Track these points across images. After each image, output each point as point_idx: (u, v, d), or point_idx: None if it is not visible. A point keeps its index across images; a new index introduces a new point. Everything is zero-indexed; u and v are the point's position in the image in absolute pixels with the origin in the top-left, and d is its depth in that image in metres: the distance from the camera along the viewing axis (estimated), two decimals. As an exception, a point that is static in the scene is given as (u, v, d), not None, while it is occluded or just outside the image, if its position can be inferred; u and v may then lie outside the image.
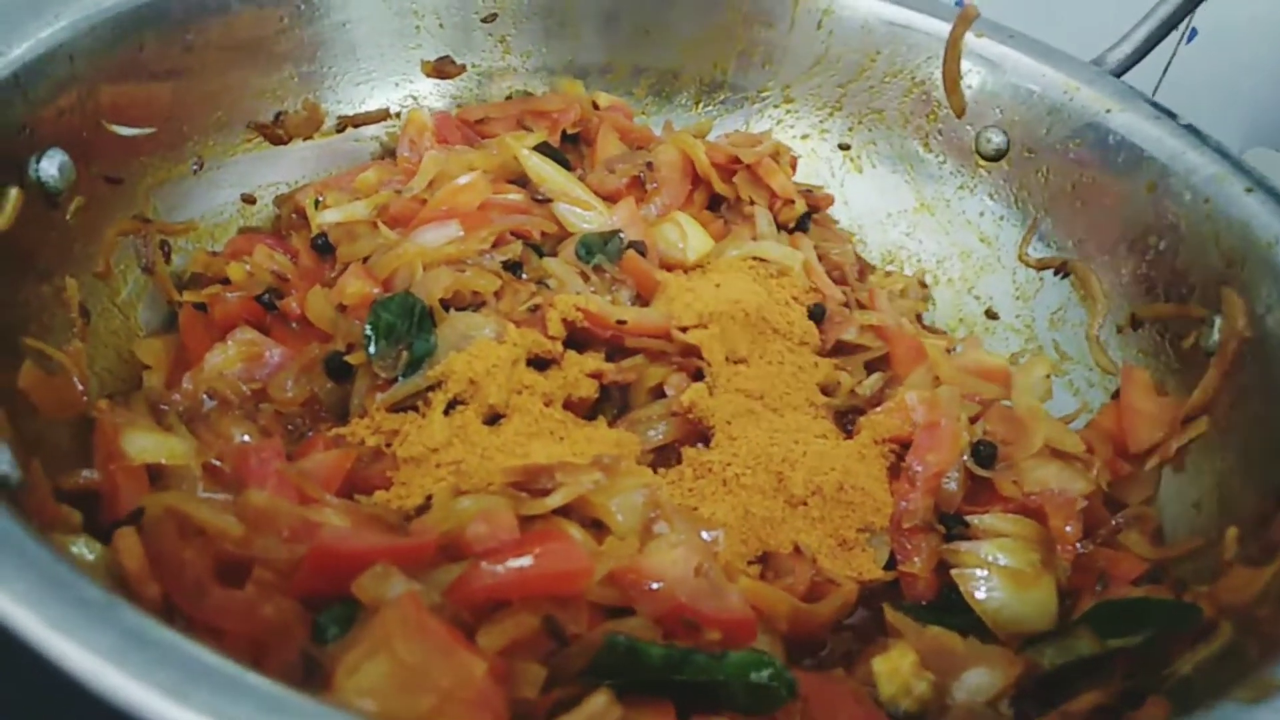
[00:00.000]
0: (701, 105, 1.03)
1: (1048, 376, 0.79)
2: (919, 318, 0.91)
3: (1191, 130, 0.81)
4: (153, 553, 0.50)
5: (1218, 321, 0.72)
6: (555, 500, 0.58)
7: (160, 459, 0.59)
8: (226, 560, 0.51)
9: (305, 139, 0.89)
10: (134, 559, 0.48)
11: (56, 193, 0.67)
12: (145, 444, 0.60)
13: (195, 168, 0.81)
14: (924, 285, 0.95)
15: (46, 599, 0.39)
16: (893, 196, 0.99)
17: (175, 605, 0.49)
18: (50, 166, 0.67)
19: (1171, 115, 0.83)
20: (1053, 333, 0.87)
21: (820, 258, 0.88)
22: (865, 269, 0.95)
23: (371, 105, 0.93)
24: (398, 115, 0.94)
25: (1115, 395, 0.79)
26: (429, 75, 0.96)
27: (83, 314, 0.68)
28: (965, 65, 0.92)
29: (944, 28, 0.93)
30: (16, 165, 0.65)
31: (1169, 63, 1.29)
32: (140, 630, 0.39)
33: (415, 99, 0.96)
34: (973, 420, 0.73)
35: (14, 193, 0.64)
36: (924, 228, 0.98)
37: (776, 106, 1.02)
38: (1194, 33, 1.27)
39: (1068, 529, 0.67)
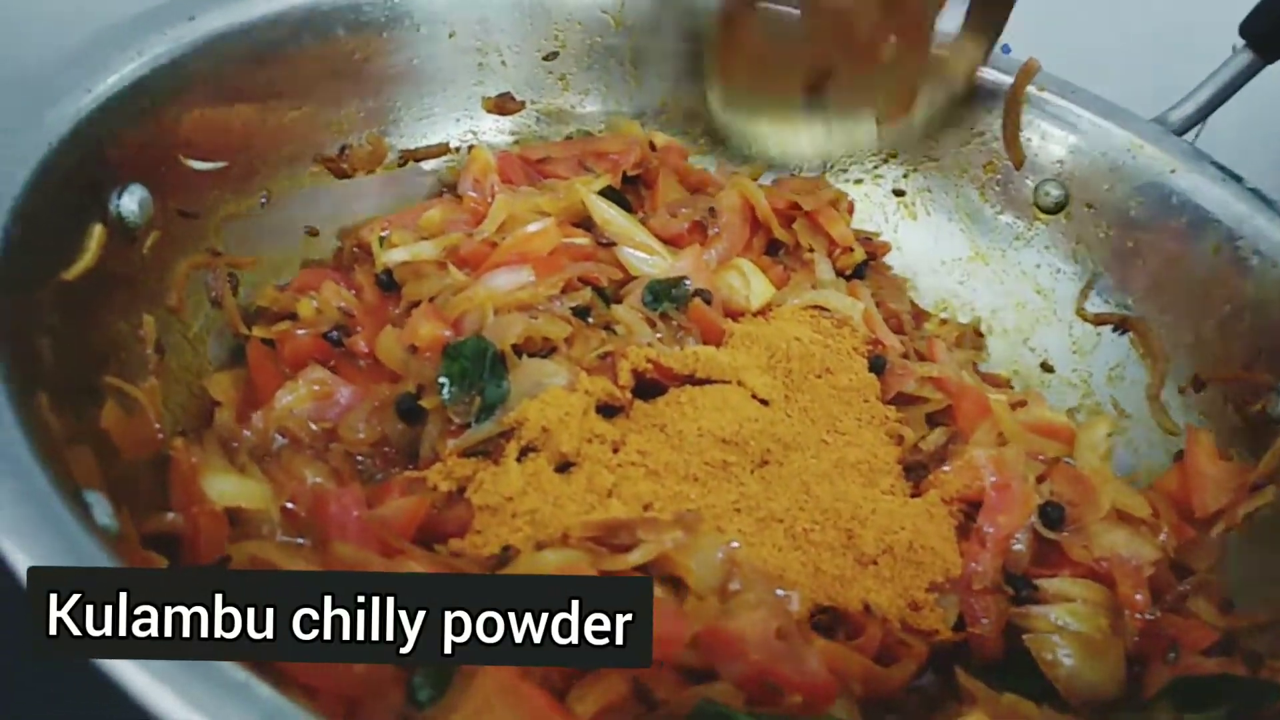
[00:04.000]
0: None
1: (1110, 435, 0.79)
2: (975, 367, 0.91)
3: (1258, 194, 0.81)
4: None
5: (1287, 389, 0.72)
6: (636, 557, 0.58)
7: (241, 503, 0.60)
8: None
9: (368, 172, 0.90)
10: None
11: (135, 228, 0.68)
12: (226, 487, 0.60)
13: (263, 201, 0.82)
14: (979, 334, 0.95)
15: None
16: (947, 244, 0.99)
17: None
18: (131, 202, 0.67)
19: (1237, 178, 0.83)
20: (1111, 389, 0.87)
21: (877, 304, 0.88)
22: (921, 315, 0.95)
23: (433, 139, 0.94)
24: (457, 150, 0.95)
25: (1177, 457, 0.79)
26: (489, 111, 0.96)
27: (158, 350, 0.68)
28: (1026, 118, 0.93)
29: (1005, 79, 0.93)
30: (100, 202, 0.65)
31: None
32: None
33: (475, 134, 0.96)
34: (1039, 480, 0.73)
35: (98, 229, 0.64)
36: (978, 276, 0.98)
37: (831, 150, 1.02)
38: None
39: (1137, 596, 0.67)
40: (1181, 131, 0.90)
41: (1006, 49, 1.18)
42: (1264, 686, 0.58)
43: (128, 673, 0.36)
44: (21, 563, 0.38)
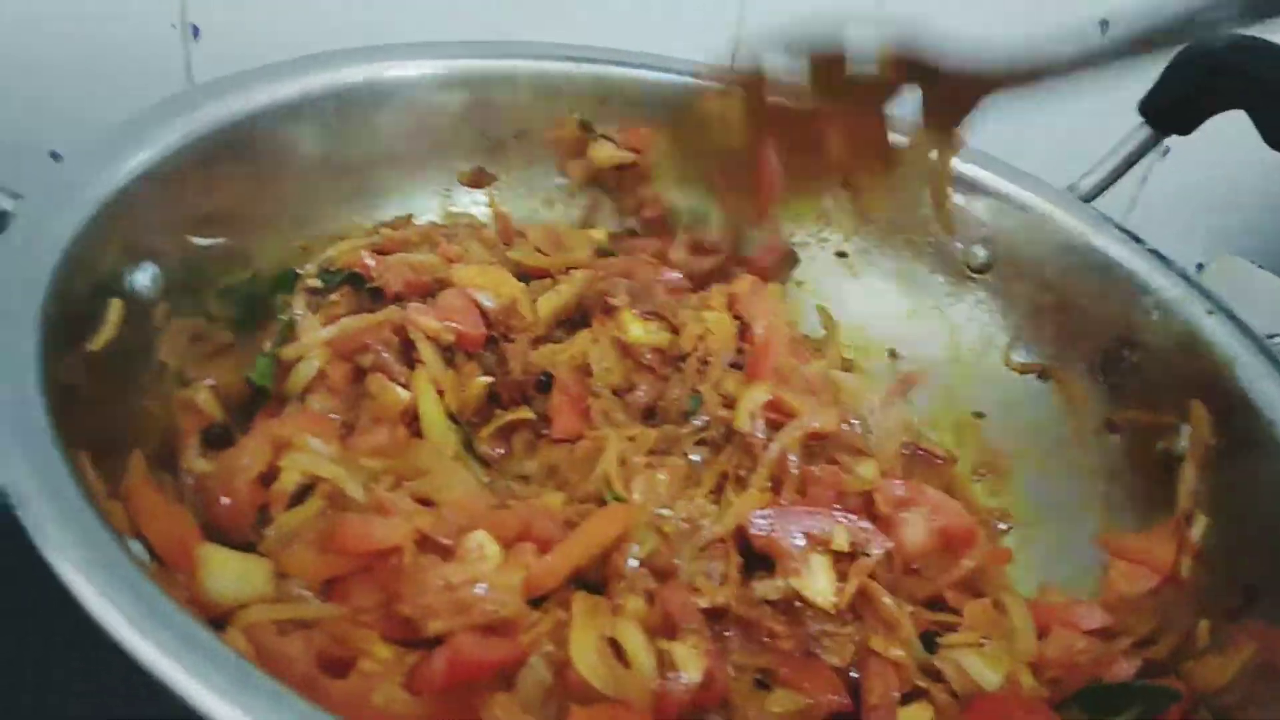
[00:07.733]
0: (710, 217, 1.12)
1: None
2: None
3: (1156, 254, 0.91)
4: (258, 647, 0.55)
5: (1184, 429, 0.81)
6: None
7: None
8: (328, 655, 0.56)
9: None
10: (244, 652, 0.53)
11: (148, 302, 0.74)
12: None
13: (250, 276, 0.88)
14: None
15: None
16: (886, 301, 1.08)
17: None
18: (144, 278, 0.74)
19: (1138, 240, 0.93)
20: (1036, 435, 0.96)
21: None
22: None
23: (412, 210, 1.01)
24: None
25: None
26: (464, 184, 1.04)
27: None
28: (952, 189, 1.02)
29: (933, 154, 1.03)
30: (118, 279, 0.72)
31: (1145, 177, 1.42)
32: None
33: (452, 204, 1.04)
34: None
35: (116, 304, 0.70)
36: (916, 333, 1.07)
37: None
38: (1168, 150, 1.39)
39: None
40: (1090, 198, 1.00)
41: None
42: (1165, 692, 0.66)
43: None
44: (90, 598, 0.44)
